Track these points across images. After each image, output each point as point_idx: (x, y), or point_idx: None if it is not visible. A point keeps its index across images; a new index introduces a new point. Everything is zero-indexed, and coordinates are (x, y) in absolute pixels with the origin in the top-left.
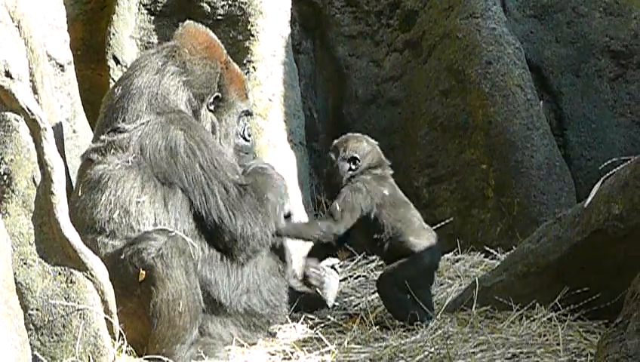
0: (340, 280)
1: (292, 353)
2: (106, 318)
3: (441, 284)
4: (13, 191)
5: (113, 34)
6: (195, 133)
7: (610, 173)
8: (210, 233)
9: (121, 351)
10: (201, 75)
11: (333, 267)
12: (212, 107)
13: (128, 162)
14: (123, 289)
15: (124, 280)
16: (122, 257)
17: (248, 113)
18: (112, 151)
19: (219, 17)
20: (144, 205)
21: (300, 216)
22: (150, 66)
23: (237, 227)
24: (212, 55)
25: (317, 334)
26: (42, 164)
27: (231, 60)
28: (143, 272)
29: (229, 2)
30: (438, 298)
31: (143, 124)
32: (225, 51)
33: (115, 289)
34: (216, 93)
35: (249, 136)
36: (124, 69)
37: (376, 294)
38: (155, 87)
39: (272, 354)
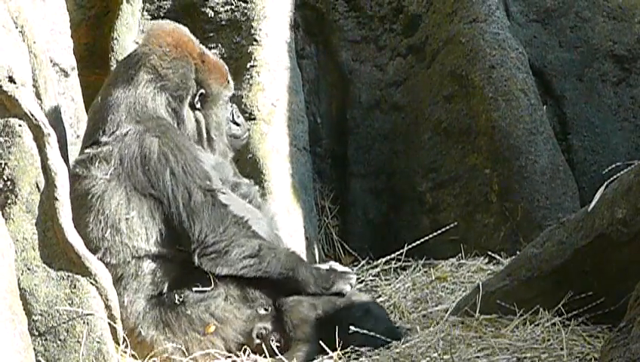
0: None
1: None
2: (109, 323)
3: (445, 289)
4: (16, 196)
5: (117, 39)
6: (169, 140)
7: (614, 177)
8: (179, 240)
9: (125, 355)
10: (174, 78)
11: None
12: (198, 105)
13: (107, 175)
14: None
15: None
16: None
17: (233, 96)
18: (96, 164)
19: (222, 22)
20: (134, 221)
21: (299, 223)
22: (124, 78)
23: (194, 232)
24: (182, 53)
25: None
26: (46, 169)
27: (205, 51)
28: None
29: (233, 7)
30: (443, 302)
31: (123, 135)
32: (197, 43)
33: None
34: (200, 90)
35: (238, 117)
36: None
37: (380, 299)
38: (131, 96)
39: None
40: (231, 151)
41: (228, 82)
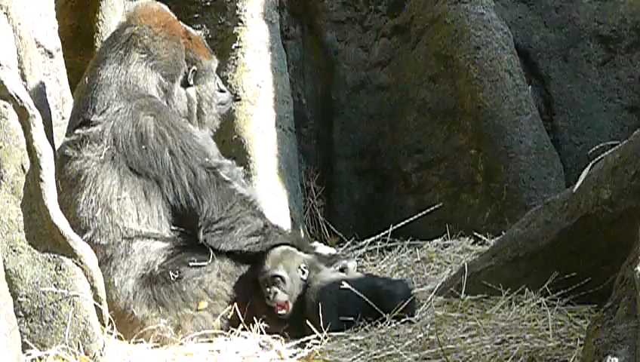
0: None
1: (279, 339)
2: (95, 305)
3: (431, 270)
4: (1, 178)
5: (102, 20)
6: (165, 118)
7: (599, 157)
8: (180, 219)
9: (111, 336)
10: (167, 57)
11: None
12: (191, 81)
13: (101, 156)
14: None
15: None
16: None
17: (217, 72)
18: (87, 145)
19: (207, 3)
20: (125, 202)
21: (284, 204)
22: (113, 57)
23: (202, 211)
24: (172, 33)
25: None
26: (31, 150)
27: (188, 28)
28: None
29: None
30: (428, 283)
31: (114, 113)
32: (179, 21)
33: None
34: (193, 67)
35: (223, 85)
36: None
37: None
38: (122, 76)
39: (261, 345)
40: (218, 120)
41: (212, 54)
